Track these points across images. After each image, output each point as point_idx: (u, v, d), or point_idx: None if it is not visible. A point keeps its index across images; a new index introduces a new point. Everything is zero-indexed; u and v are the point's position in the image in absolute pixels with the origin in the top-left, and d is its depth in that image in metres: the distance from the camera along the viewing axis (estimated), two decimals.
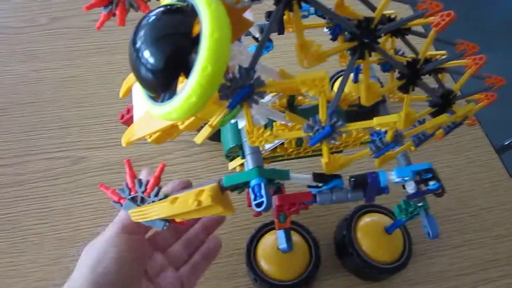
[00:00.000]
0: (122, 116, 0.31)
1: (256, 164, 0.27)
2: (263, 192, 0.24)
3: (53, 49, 0.46)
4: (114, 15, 0.31)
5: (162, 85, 0.19)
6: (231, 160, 0.32)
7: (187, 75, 0.18)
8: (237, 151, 0.31)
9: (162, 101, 0.20)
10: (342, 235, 0.33)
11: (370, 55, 0.21)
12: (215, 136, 0.36)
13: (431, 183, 0.27)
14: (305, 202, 0.27)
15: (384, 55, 0.21)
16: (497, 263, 0.35)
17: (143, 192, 0.27)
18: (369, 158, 0.26)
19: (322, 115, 0.21)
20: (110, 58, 0.44)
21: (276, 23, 0.19)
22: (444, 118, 0.25)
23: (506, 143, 0.76)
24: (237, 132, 0.31)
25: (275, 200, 0.27)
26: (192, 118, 0.22)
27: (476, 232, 0.36)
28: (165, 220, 0.27)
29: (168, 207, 0.26)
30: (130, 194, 0.27)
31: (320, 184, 0.27)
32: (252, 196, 0.25)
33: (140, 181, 0.27)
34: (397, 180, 0.27)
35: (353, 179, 0.26)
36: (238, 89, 0.18)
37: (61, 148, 0.39)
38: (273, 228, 0.33)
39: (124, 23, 0.29)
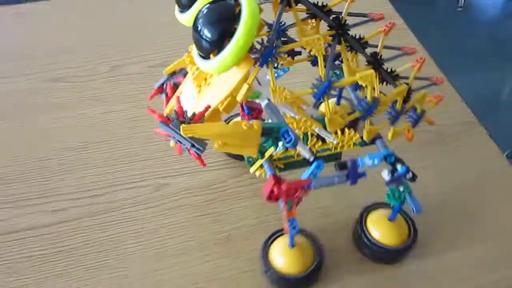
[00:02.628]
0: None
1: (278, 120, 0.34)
2: (291, 133, 0.31)
3: (118, 93, 0.54)
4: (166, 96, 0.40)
5: (215, 47, 0.29)
6: (251, 165, 0.38)
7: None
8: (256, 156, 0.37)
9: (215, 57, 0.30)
10: (358, 232, 0.41)
11: (345, 41, 0.33)
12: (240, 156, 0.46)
13: (399, 167, 0.35)
14: (305, 186, 0.34)
15: (353, 44, 0.32)
16: None
17: (190, 120, 0.31)
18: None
19: (321, 73, 0.31)
20: None
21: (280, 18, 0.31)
22: (402, 87, 0.35)
23: None
24: None
25: (283, 185, 0.33)
26: (229, 99, 0.32)
27: None
28: (201, 145, 0.31)
29: (220, 125, 0.31)
30: (178, 118, 0.31)
31: (312, 159, 0.35)
32: (283, 139, 0.32)
33: (187, 112, 0.32)
34: (370, 162, 0.34)
35: (336, 164, 0.35)
36: (266, 48, 0.29)
37: (143, 178, 0.47)
38: (280, 235, 0.40)
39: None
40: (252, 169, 0.38)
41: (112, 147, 0.50)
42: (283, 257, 0.38)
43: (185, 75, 0.40)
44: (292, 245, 0.38)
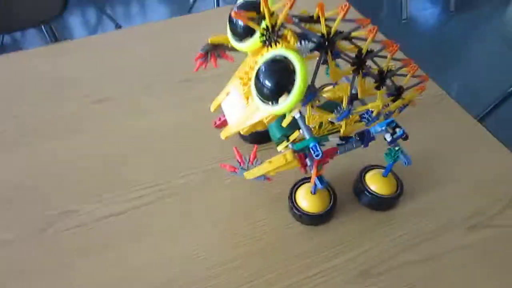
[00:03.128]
0: (215, 123, 0.55)
1: (310, 135, 0.43)
2: (319, 148, 0.41)
3: (158, 103, 0.66)
4: (203, 64, 0.52)
5: (274, 97, 0.38)
6: (278, 145, 0.49)
7: (288, 93, 0.37)
8: (283, 139, 0.48)
9: (272, 104, 0.39)
10: (358, 185, 0.53)
11: (332, 53, 0.40)
12: (262, 140, 0.58)
13: (397, 130, 0.45)
14: (334, 153, 0.44)
15: (340, 52, 0.41)
16: None
17: (248, 163, 0.46)
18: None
19: (344, 105, 0.42)
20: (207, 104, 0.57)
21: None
22: (399, 102, 0.45)
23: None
24: (280, 128, 0.47)
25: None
26: (273, 115, 0.42)
27: None
28: (264, 176, 0.46)
29: (268, 165, 0.44)
30: (240, 165, 0.46)
31: (343, 142, 0.46)
32: (312, 152, 0.42)
33: (245, 157, 0.46)
34: (379, 130, 0.45)
35: (356, 134, 0.47)
36: (308, 95, 0.38)
37: (197, 166, 0.58)
38: (304, 183, 0.52)
39: (216, 66, 0.50)
40: (279, 148, 0.49)
41: (167, 143, 0.60)
42: (306, 200, 0.51)
43: (225, 49, 0.50)
44: (315, 192, 0.50)
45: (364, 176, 0.53)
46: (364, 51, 0.43)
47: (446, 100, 0.66)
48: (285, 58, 0.38)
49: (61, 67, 0.73)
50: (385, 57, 0.45)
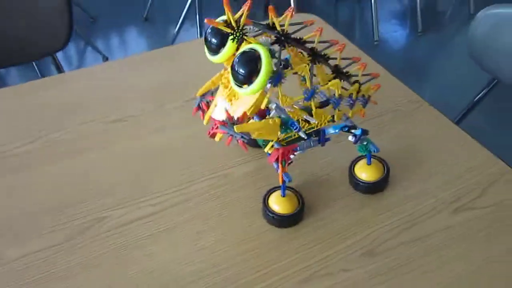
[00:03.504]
0: (209, 133, 0.55)
1: (287, 116, 0.50)
2: (296, 124, 0.49)
3: (170, 120, 0.71)
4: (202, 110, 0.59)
5: (248, 80, 0.44)
6: (265, 146, 0.52)
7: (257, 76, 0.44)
8: (268, 140, 0.51)
9: (248, 87, 0.45)
10: (351, 177, 0.59)
11: (284, 47, 0.47)
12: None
13: (355, 131, 0.53)
14: (294, 149, 0.50)
15: (323, 63, 0.49)
16: None
17: (236, 121, 0.48)
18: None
19: (308, 85, 0.48)
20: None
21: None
22: (356, 88, 0.52)
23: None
24: None
25: (280, 149, 0.49)
26: (253, 107, 0.47)
27: None
28: (244, 136, 0.48)
29: (256, 123, 0.50)
30: (230, 122, 0.48)
31: (306, 137, 0.51)
32: (292, 127, 0.49)
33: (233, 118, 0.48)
34: (332, 132, 0.52)
35: (313, 132, 0.52)
36: (276, 75, 0.44)
37: (212, 172, 0.63)
38: (275, 191, 0.56)
39: (208, 109, 0.57)
40: (266, 149, 0.52)
41: (181, 154, 0.65)
42: (277, 203, 0.55)
43: (212, 93, 0.56)
44: (284, 194, 0.54)
45: (354, 168, 0.60)
46: (315, 44, 0.50)
47: (424, 106, 0.75)
48: (252, 49, 0.45)
49: (76, 93, 0.78)
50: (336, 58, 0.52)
